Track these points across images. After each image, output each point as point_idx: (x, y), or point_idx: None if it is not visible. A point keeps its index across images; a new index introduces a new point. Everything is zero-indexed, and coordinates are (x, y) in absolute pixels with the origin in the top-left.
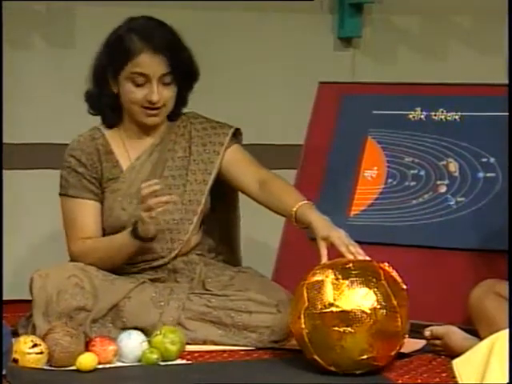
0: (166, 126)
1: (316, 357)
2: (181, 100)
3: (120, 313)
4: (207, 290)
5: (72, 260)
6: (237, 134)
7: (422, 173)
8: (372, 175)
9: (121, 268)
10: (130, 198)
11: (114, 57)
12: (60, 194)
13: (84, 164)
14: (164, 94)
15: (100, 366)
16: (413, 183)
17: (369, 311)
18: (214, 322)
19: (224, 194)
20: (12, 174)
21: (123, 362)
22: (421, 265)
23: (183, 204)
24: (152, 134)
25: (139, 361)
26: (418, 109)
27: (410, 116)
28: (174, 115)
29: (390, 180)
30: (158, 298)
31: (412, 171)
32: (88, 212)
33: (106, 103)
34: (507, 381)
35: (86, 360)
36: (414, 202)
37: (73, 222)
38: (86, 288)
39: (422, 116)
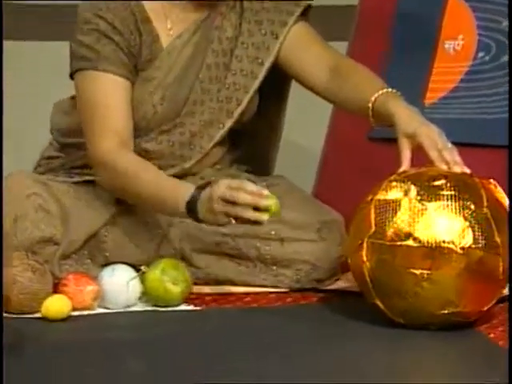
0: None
1: (379, 302)
2: None
3: (101, 245)
4: None
5: (99, 165)
6: (306, 13)
7: None
8: (455, 47)
9: None
10: (163, 92)
11: None
12: (80, 70)
13: (119, 31)
14: None
15: (75, 313)
16: None
17: (460, 251)
18: (232, 255)
19: (273, 88)
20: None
21: (106, 307)
22: None
23: (218, 101)
24: (198, 7)
25: (130, 305)
26: None
27: None
28: None
29: (480, 54)
30: (154, 223)
31: None
32: (123, 95)
33: None
34: None
35: (56, 304)
36: None
37: (102, 108)
38: (53, 211)
39: None
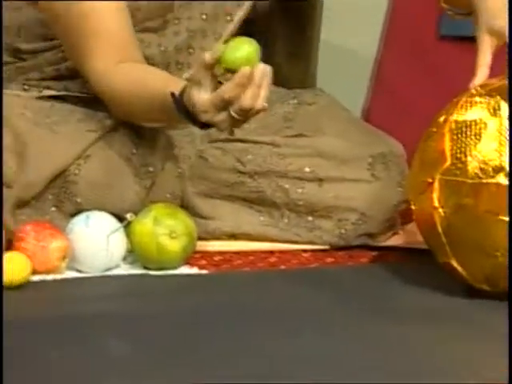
0: None
1: (455, 263)
2: None
3: (71, 186)
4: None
5: (95, 85)
6: None
7: None
8: None
9: None
10: None
11: None
12: None
13: None
14: None
15: (36, 278)
16: None
17: None
18: (251, 201)
19: None
20: None
21: (79, 270)
22: None
23: None
24: None
25: (109, 268)
26: None
27: None
28: None
29: None
30: (143, 158)
31: None
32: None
33: None
34: None
35: (10, 267)
36: None
37: (95, 25)
38: (6, 141)
39: None
